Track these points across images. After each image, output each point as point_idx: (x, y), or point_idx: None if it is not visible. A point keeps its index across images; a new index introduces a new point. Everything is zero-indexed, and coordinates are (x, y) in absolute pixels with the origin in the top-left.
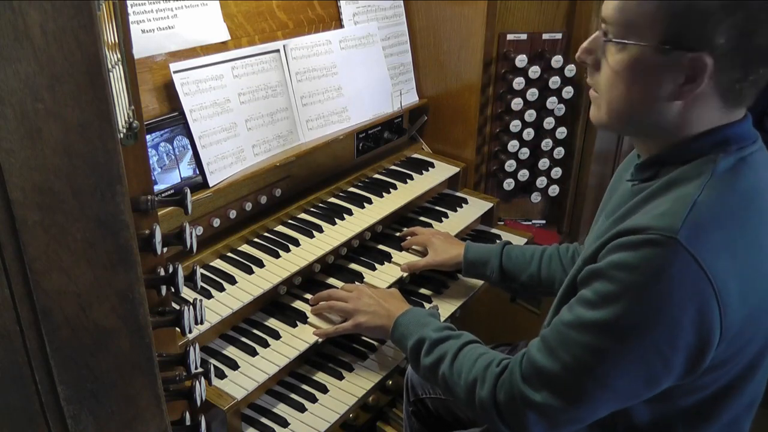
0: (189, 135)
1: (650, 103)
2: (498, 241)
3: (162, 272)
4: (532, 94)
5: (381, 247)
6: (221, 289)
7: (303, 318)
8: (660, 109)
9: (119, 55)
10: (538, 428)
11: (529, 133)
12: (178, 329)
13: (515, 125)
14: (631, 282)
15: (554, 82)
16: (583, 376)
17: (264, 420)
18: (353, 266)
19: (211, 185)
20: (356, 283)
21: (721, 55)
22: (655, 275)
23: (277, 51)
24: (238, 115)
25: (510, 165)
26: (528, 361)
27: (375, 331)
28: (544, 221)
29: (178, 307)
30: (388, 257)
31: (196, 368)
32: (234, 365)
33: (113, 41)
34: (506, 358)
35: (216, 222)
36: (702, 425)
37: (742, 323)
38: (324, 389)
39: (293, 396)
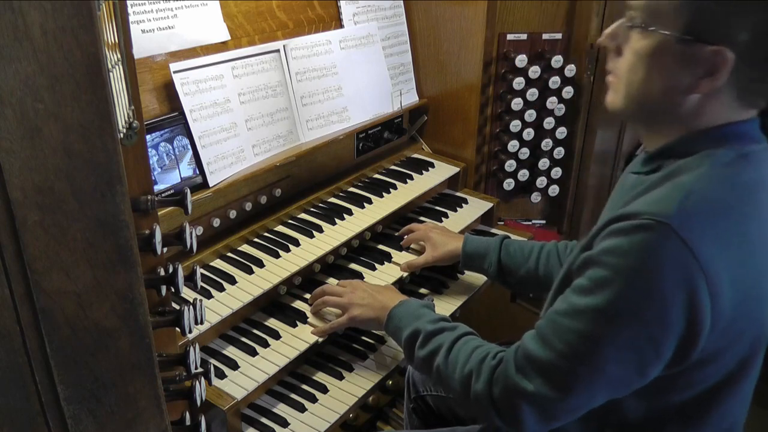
0: (189, 135)
1: (667, 93)
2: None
3: (162, 272)
4: (532, 94)
5: (381, 247)
6: (221, 289)
7: (303, 318)
8: (676, 99)
9: (119, 55)
10: (532, 419)
11: (529, 133)
12: (178, 329)
13: (515, 125)
14: (622, 266)
15: (554, 82)
16: (576, 363)
17: (264, 420)
18: (353, 266)
19: (211, 185)
20: None
21: (743, 51)
22: (646, 259)
23: (277, 51)
24: (238, 115)
25: (510, 165)
26: (522, 351)
27: (370, 324)
28: (544, 221)
29: (178, 307)
30: (388, 257)
31: (196, 368)
32: (234, 365)
33: (113, 41)
34: (502, 350)
35: (216, 222)
36: (696, 424)
37: (734, 313)
38: (324, 389)
39: (293, 396)
